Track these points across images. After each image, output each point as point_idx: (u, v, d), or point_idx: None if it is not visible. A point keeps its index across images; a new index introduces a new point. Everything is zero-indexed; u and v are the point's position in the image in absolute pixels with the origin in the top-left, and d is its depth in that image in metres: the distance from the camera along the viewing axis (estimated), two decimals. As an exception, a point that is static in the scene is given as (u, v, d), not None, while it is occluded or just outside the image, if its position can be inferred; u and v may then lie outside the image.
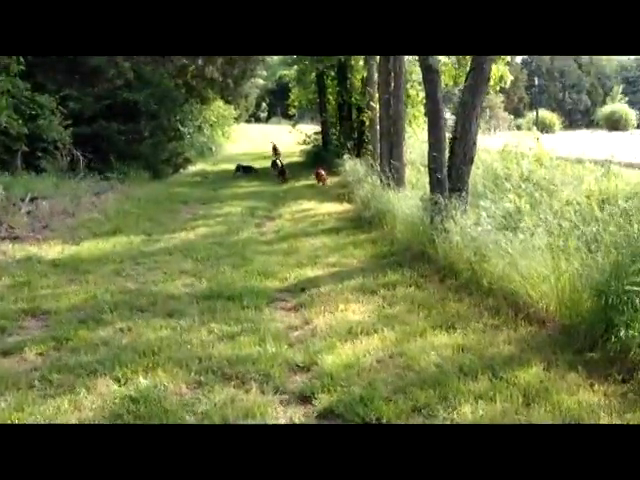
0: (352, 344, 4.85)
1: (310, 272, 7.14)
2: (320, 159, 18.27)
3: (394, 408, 3.69)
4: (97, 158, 14.65)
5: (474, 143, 7.50)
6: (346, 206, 11.47)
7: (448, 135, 7.76)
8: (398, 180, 9.63)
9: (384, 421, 3.57)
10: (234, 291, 6.31)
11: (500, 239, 6.16)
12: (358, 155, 15.44)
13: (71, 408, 3.85)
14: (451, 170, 7.49)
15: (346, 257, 7.74)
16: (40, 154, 13.13)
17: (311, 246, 8.50)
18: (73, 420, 3.69)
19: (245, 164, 18.67)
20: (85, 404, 3.91)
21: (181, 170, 18.19)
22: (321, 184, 14.91)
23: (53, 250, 8.43)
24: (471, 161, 7.55)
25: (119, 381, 4.26)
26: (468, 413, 3.62)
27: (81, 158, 14.05)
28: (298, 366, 4.58)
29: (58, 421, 3.68)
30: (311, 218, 10.68)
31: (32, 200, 11.09)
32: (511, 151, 9.94)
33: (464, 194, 7.41)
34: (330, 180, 15.48)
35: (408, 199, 8.68)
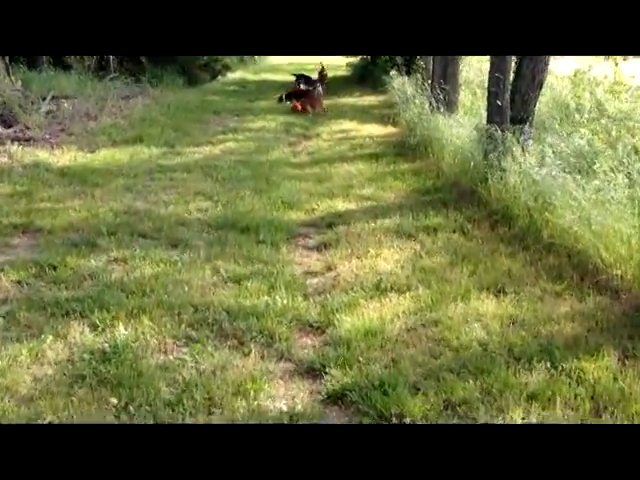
0: (379, 303, 4.04)
1: (341, 204, 6.27)
2: (367, 75, 16.90)
3: (421, 403, 2.91)
4: (129, 59, 13.68)
5: (546, 64, 6.31)
6: (390, 129, 10.36)
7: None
8: (450, 104, 8.45)
9: (407, 420, 2.81)
10: (251, 221, 5.52)
11: (569, 184, 5.15)
12: (408, 72, 14.05)
13: (28, 360, 3.20)
14: (514, 96, 6.35)
15: (384, 189, 6.81)
16: (66, 50, 12.21)
17: (346, 173, 7.57)
18: (25, 375, 3.05)
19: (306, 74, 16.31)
20: (47, 356, 3.26)
21: (219, 77, 17.08)
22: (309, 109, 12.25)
23: (65, 157, 7.73)
24: (540, 85, 6.38)
25: (95, 328, 3.58)
26: (517, 419, 2.81)
27: (112, 57, 13.09)
28: (311, 325, 3.83)
29: (8, 374, 3.04)
30: (350, 140, 9.65)
31: (53, 99, 10.33)
32: (583, 77, 8.58)
33: (528, 126, 6.31)
34: (377, 99, 14.21)
35: (460, 127, 7.57)
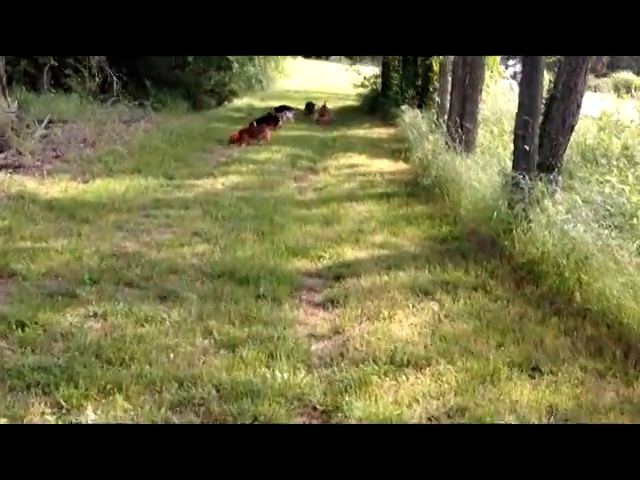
0: (394, 381, 3.49)
1: (350, 252, 5.73)
2: (377, 106, 16.53)
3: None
4: (133, 82, 13.30)
5: (578, 106, 5.81)
6: (402, 165, 9.89)
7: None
8: (467, 143, 7.97)
9: None
10: (251, 270, 4.98)
11: (606, 241, 4.62)
12: (420, 106, 13.65)
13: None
14: (543, 140, 5.85)
15: (397, 235, 6.28)
16: (69, 72, 11.82)
17: (356, 215, 7.05)
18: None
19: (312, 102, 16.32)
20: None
21: (225, 103, 16.72)
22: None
23: (55, 187, 7.24)
24: (571, 130, 5.89)
25: (60, 409, 3.01)
26: None
27: (115, 80, 12.71)
28: (315, 408, 3.26)
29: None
30: (360, 176, 9.17)
31: (51, 123, 9.89)
32: (609, 120, 8.11)
33: (555, 173, 5.79)
34: (387, 131, 13.79)
35: (478, 169, 7.07)
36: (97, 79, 12.40)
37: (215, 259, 5.29)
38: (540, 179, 5.44)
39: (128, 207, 6.65)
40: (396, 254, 5.73)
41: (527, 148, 5.54)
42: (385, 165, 10.03)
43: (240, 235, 5.93)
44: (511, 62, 23.93)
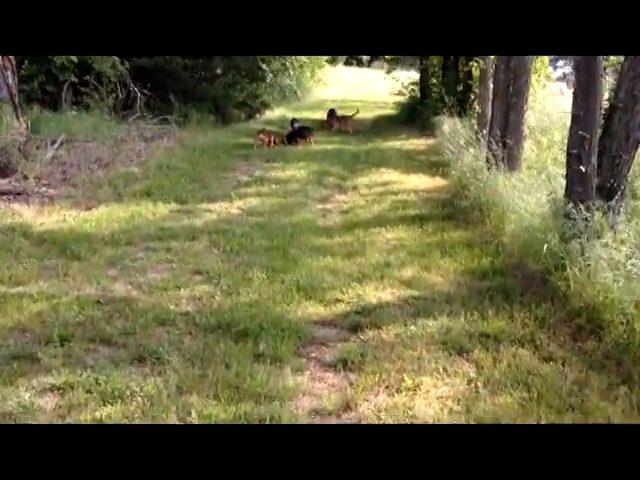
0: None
1: (373, 293, 4.91)
2: (415, 115, 15.62)
3: None
4: (158, 97, 12.80)
5: (645, 118, 4.84)
6: (439, 182, 8.99)
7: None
8: (511, 159, 7.04)
9: None
10: (253, 321, 4.23)
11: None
12: (460, 115, 12.69)
13: None
14: (601, 159, 4.91)
15: (429, 270, 5.41)
16: (88, 89, 11.38)
17: (384, 243, 6.22)
18: None
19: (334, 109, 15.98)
20: None
21: (257, 116, 16.07)
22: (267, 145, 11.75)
23: (54, 216, 6.65)
24: (636, 146, 4.92)
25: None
26: None
27: (138, 95, 12.22)
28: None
29: None
30: (392, 195, 8.31)
31: (64, 143, 9.40)
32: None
33: (618, 198, 4.84)
34: (425, 142, 12.88)
35: (525, 191, 6.14)
36: (121, 94, 11.89)
37: (213, 306, 4.54)
38: (599, 208, 4.49)
39: (128, 239, 5.98)
40: (426, 295, 4.87)
41: (583, 169, 4.62)
42: (421, 181, 9.14)
43: (247, 273, 5.18)
44: (560, 63, 22.64)
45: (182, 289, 4.84)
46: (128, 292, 4.78)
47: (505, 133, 7.23)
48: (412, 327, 4.29)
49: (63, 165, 8.56)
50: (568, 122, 9.70)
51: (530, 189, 6.03)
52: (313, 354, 4.00)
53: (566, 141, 8.91)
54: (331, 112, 15.16)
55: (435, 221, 6.88)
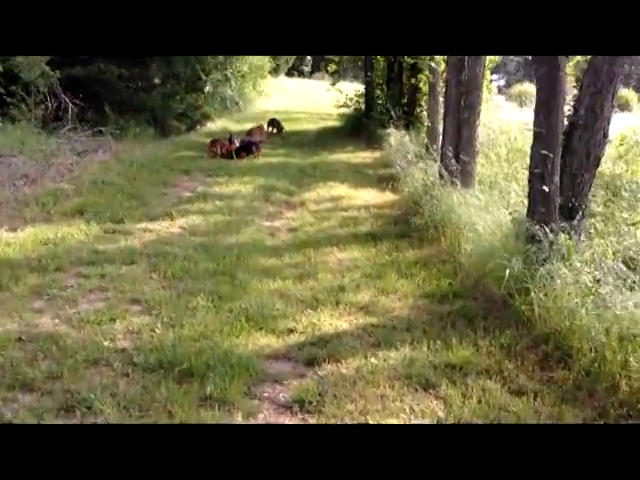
0: None
1: (329, 321, 4.56)
2: (360, 127, 15.47)
3: None
4: (91, 107, 12.12)
5: (605, 135, 4.73)
6: (389, 197, 8.77)
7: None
8: (465, 174, 6.87)
9: None
10: (198, 357, 3.82)
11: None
12: (407, 127, 12.60)
13: None
14: (563, 177, 4.75)
15: (385, 293, 5.12)
16: (14, 99, 10.61)
17: (337, 264, 5.89)
18: None
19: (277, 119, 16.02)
20: None
21: (197, 127, 15.54)
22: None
23: (-28, 240, 6.01)
24: (597, 164, 4.80)
25: None
26: None
27: (70, 106, 11.52)
28: None
29: None
30: (342, 212, 8.02)
31: (-12, 158, 8.68)
32: (630, 145, 7.03)
33: (580, 217, 4.69)
34: (372, 155, 12.70)
35: (481, 208, 5.96)
36: (51, 105, 11.17)
37: (153, 341, 4.09)
38: (563, 229, 4.31)
39: (57, 264, 5.43)
40: (386, 322, 4.56)
41: (546, 189, 4.43)
42: (370, 196, 8.90)
43: (191, 301, 4.74)
44: (495, 77, 23.11)
45: (118, 322, 4.36)
46: (55, 327, 4.26)
47: (458, 149, 7.06)
48: (373, 359, 3.97)
49: (-14, 182, 7.85)
50: (513, 136, 9.85)
51: (486, 206, 5.84)
52: (266, 394, 3.62)
53: (512, 155, 8.99)
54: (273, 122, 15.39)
55: (388, 239, 6.62)
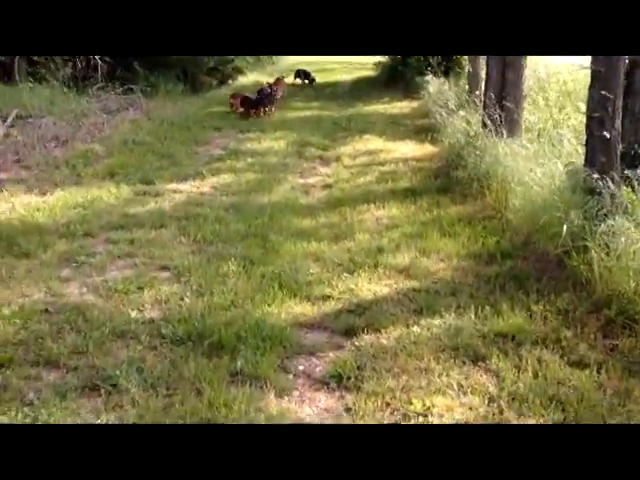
0: None
1: (367, 286, 4.27)
2: (397, 76, 14.82)
3: None
4: (121, 65, 11.84)
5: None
6: (429, 149, 8.31)
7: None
8: (511, 123, 6.35)
9: None
10: (229, 330, 3.58)
11: None
12: (447, 73, 11.97)
13: None
14: (624, 121, 4.26)
15: (427, 254, 4.78)
16: (43, 59, 10.40)
17: (374, 223, 5.57)
18: None
19: (305, 70, 15.63)
20: None
21: (229, 82, 15.14)
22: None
23: (1, 205, 5.89)
24: (664, 106, 4.28)
25: None
26: None
27: (100, 63, 11.27)
28: None
29: None
30: (379, 166, 7.63)
31: (18, 119, 8.54)
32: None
33: (644, 166, 4.22)
34: (410, 105, 12.15)
35: (530, 159, 5.50)
36: (79, 64, 10.94)
37: (182, 311, 3.87)
38: (626, 180, 3.87)
39: (86, 229, 5.26)
40: (428, 286, 4.25)
41: (607, 135, 3.96)
42: (409, 149, 8.46)
43: (221, 267, 4.50)
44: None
45: (146, 291, 4.16)
46: (82, 297, 4.09)
47: (503, 94, 6.53)
48: (415, 328, 3.68)
49: (16, 144, 7.72)
50: (562, 78, 9.17)
51: (536, 157, 5.39)
52: (301, 367, 3.39)
53: (562, 99, 8.35)
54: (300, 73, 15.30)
55: (429, 195, 6.24)
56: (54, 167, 7.17)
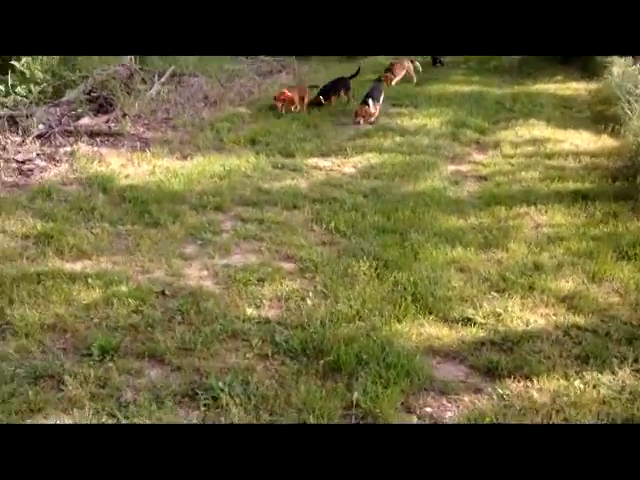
0: None
1: (518, 312, 3.58)
2: (575, 52, 13.20)
3: None
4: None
5: None
6: (607, 143, 7.15)
7: None
8: None
9: None
10: (349, 347, 3.12)
11: None
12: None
13: None
14: None
15: (598, 281, 3.95)
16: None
17: (533, 232, 4.77)
18: None
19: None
20: None
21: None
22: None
23: (142, 166, 5.84)
24: None
25: None
26: None
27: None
28: None
29: None
30: (544, 159, 6.67)
31: (173, 77, 8.59)
32: None
33: None
34: (587, 87, 10.75)
35: None
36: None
37: (301, 315, 3.47)
38: None
39: (218, 203, 5.03)
40: (597, 325, 3.46)
41: None
42: (582, 141, 7.34)
43: (351, 266, 4.03)
44: None
45: (265, 284, 3.80)
46: (200, 282, 3.82)
47: None
48: (577, 383, 2.97)
49: (167, 103, 7.73)
50: None
51: None
52: (428, 409, 2.85)
53: None
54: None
55: (605, 202, 5.26)
56: (199, 129, 7.06)
